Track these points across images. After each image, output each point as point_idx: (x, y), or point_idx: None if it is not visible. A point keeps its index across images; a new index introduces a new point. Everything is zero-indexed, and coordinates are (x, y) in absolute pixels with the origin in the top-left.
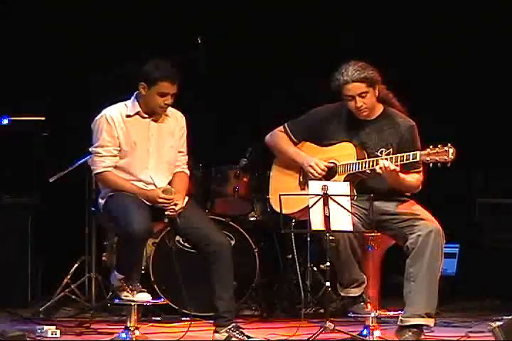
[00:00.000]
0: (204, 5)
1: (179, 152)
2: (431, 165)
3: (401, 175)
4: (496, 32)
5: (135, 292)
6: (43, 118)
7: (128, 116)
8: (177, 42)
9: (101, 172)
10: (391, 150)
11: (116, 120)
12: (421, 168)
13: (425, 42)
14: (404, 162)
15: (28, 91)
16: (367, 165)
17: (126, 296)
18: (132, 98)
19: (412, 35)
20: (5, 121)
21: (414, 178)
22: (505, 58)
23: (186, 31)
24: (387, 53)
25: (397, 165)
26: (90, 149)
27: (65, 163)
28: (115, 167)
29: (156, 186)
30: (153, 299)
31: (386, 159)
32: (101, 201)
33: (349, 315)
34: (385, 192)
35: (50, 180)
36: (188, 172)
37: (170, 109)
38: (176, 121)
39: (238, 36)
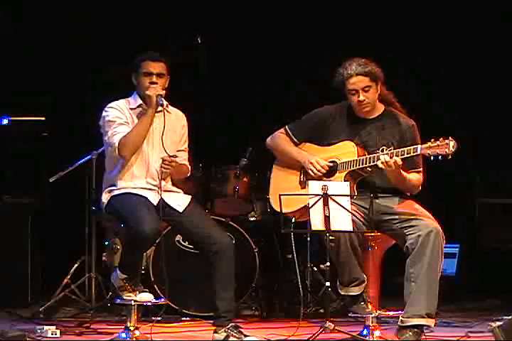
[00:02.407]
0: (204, 5)
1: (180, 150)
2: (432, 158)
3: (403, 172)
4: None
5: (137, 292)
6: (43, 119)
7: (131, 108)
8: (177, 42)
9: (119, 141)
10: (392, 148)
11: (124, 109)
12: (421, 169)
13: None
14: (406, 156)
15: (28, 91)
16: (368, 161)
17: (128, 296)
18: (133, 94)
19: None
20: (5, 121)
21: (415, 177)
22: (507, 60)
23: (186, 31)
24: (387, 53)
25: None
26: (105, 141)
27: (65, 163)
28: (119, 159)
29: (160, 177)
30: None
31: (387, 153)
32: (104, 200)
33: (349, 315)
34: (387, 189)
35: (50, 180)
36: (189, 166)
37: (171, 108)
38: (177, 119)
39: (238, 36)
